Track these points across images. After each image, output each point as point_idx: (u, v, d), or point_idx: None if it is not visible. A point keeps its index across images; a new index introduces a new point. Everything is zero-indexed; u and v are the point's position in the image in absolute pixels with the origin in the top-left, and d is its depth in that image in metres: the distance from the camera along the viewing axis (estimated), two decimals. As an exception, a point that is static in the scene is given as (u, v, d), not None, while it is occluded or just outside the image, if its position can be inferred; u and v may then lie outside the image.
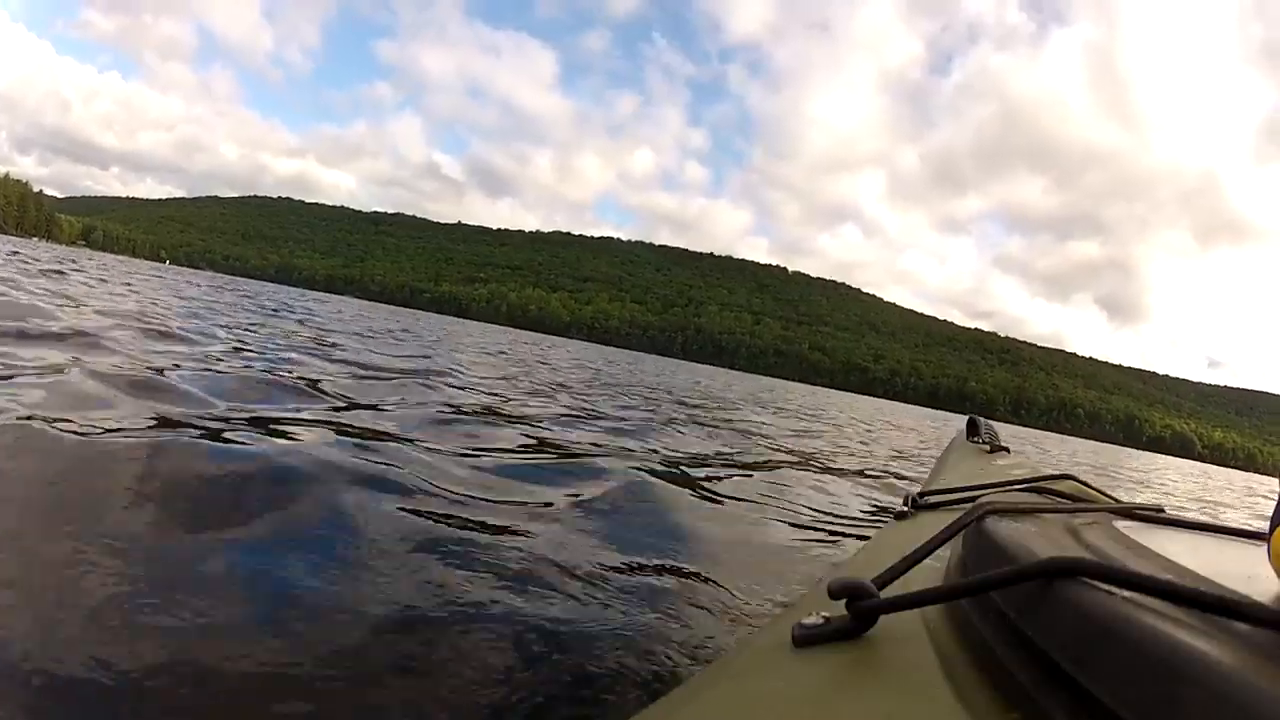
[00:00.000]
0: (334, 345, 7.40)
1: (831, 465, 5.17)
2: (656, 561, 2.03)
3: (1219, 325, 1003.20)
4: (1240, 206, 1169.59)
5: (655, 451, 4.10)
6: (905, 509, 1.17)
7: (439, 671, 1.28)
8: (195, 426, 2.42)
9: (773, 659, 0.60)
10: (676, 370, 31.70)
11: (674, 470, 3.54)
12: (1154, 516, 0.92)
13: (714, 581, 1.94)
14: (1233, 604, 0.41)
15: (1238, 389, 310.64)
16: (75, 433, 2.06)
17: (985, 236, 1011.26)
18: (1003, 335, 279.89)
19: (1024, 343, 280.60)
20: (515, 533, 1.97)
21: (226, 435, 2.32)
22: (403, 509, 1.95)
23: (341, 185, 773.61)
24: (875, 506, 3.62)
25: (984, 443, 2.10)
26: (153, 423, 2.43)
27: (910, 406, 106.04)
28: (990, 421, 2.25)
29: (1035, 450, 16.82)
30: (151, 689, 1.06)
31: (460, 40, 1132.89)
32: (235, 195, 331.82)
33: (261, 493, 1.81)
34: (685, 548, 2.21)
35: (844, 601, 0.59)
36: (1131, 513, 0.92)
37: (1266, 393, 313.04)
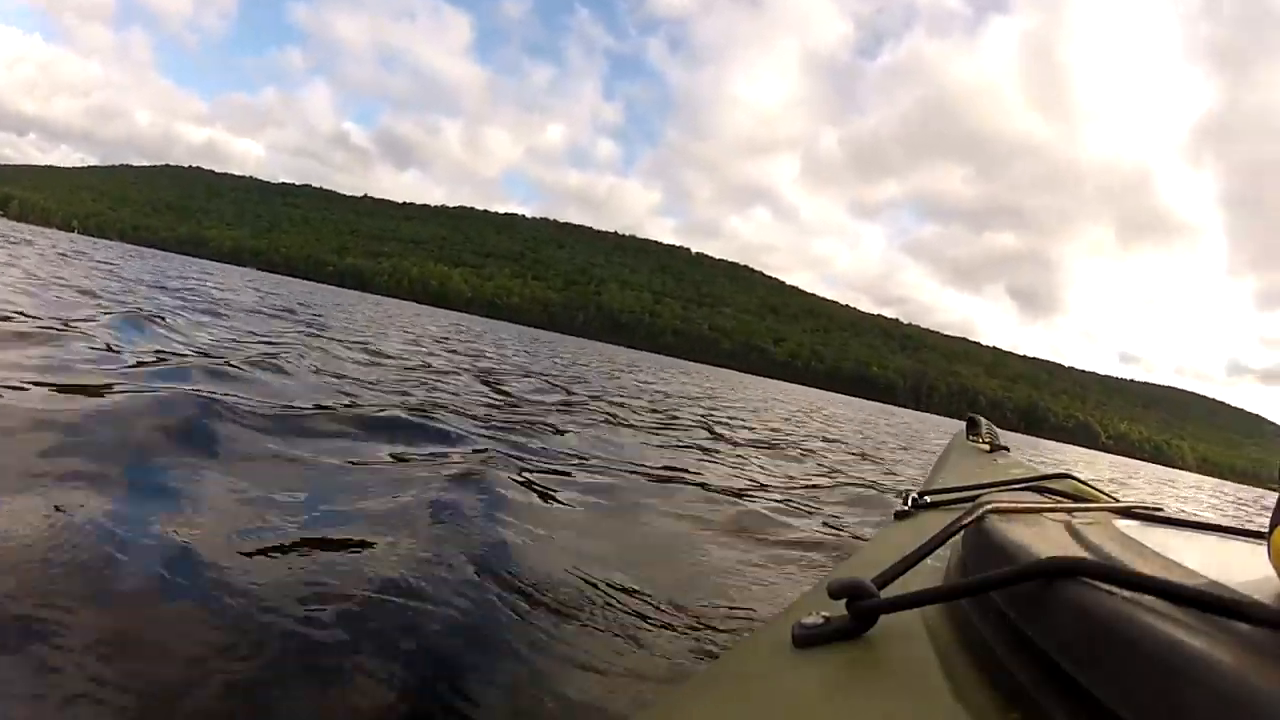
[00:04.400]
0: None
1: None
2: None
3: (1135, 321, 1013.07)
4: (1168, 205, 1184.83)
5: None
6: (905, 508, 1.17)
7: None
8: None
9: (773, 659, 0.60)
10: (584, 350, 31.55)
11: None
12: (1154, 516, 0.92)
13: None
14: (1233, 604, 0.41)
15: (1148, 384, 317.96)
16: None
17: (900, 223, 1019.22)
18: (905, 322, 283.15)
19: (927, 330, 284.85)
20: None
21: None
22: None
23: (250, 154, 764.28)
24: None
25: (983, 442, 2.07)
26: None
27: (806, 389, 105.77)
28: (989, 420, 2.21)
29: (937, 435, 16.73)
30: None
31: (373, 4, 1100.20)
32: (147, 164, 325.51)
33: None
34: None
35: (844, 601, 0.60)
36: (1131, 512, 0.92)
37: (1176, 388, 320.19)
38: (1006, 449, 1.99)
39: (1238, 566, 0.70)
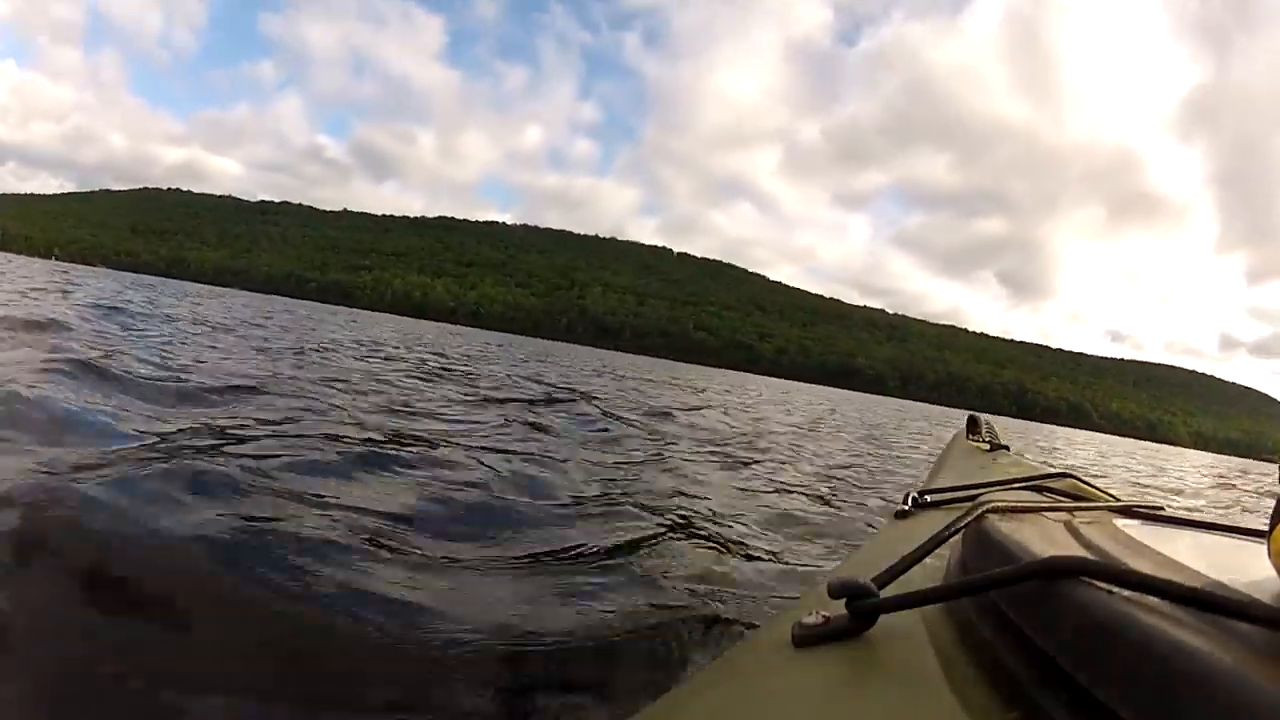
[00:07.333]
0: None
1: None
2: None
3: (1123, 300, 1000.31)
4: (1158, 184, 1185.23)
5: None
6: (905, 508, 1.16)
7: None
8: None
9: (773, 659, 0.60)
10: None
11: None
12: (1154, 515, 0.92)
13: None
14: (1233, 603, 0.41)
15: (1137, 361, 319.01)
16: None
17: (885, 213, 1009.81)
18: (892, 312, 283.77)
19: (914, 319, 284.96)
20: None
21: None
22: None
23: (228, 172, 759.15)
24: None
25: (984, 441, 2.07)
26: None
27: (795, 383, 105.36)
28: (990, 418, 2.22)
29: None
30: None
31: (344, 10, 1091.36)
32: (125, 188, 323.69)
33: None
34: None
35: (844, 601, 0.59)
36: (1132, 511, 0.92)
37: (1167, 365, 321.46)
38: (1006, 448, 1.98)
39: (1238, 566, 0.70)
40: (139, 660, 1.26)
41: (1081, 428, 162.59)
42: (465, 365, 11.04)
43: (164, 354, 5.66)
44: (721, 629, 1.71)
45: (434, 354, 13.18)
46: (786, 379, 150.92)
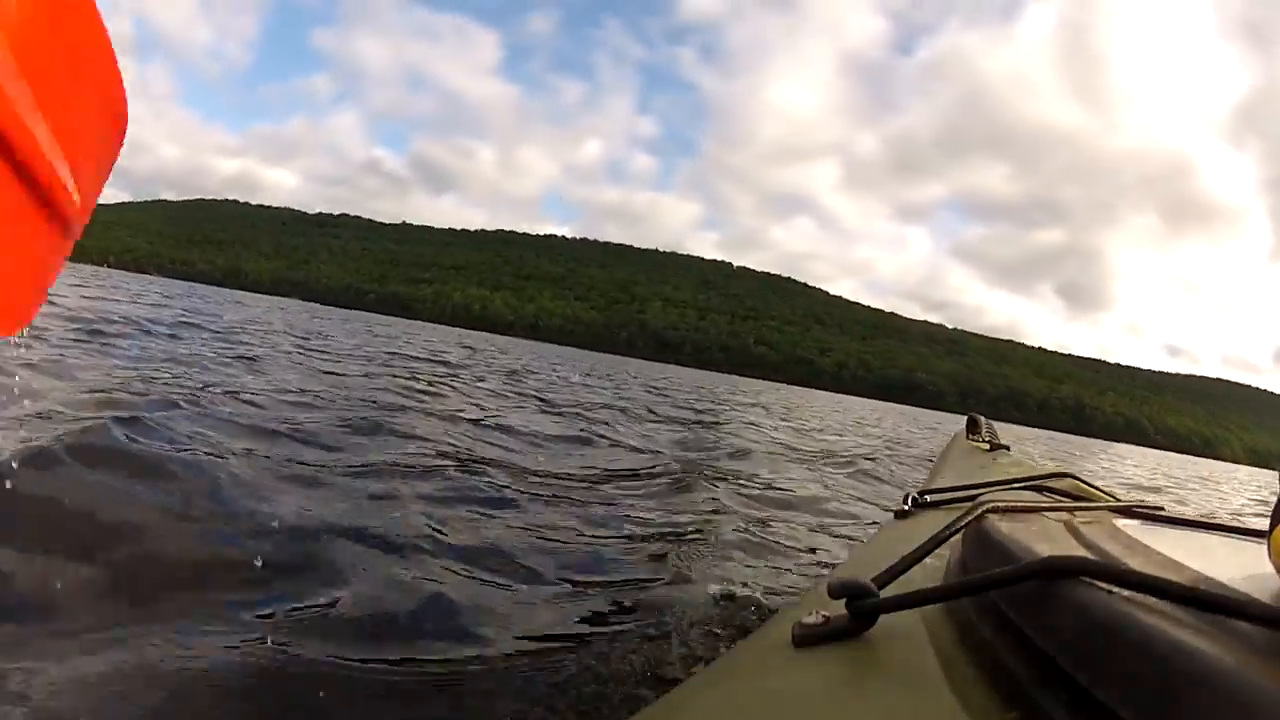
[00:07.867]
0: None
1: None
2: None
3: (1181, 312, 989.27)
4: (1212, 190, 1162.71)
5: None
6: (905, 508, 1.16)
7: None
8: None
9: (773, 659, 0.60)
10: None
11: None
12: (1154, 515, 0.91)
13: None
14: (1233, 603, 0.41)
15: (1194, 376, 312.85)
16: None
17: (943, 226, 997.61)
18: (950, 327, 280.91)
19: (973, 334, 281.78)
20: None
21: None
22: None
23: (284, 184, 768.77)
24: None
25: (984, 441, 2.08)
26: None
27: (861, 399, 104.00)
28: (990, 420, 2.22)
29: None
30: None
31: (398, 26, 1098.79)
32: (181, 198, 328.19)
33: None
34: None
35: (844, 601, 0.60)
36: (1132, 511, 0.92)
37: (1223, 380, 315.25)
38: (1006, 448, 1.98)
39: (1238, 565, 0.70)
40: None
41: (1138, 444, 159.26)
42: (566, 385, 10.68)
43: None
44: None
45: (524, 373, 12.59)
46: (847, 394, 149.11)
